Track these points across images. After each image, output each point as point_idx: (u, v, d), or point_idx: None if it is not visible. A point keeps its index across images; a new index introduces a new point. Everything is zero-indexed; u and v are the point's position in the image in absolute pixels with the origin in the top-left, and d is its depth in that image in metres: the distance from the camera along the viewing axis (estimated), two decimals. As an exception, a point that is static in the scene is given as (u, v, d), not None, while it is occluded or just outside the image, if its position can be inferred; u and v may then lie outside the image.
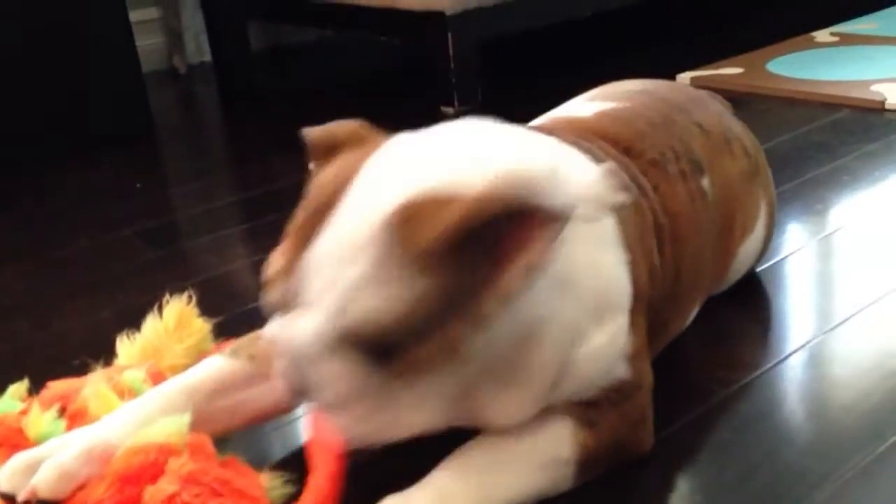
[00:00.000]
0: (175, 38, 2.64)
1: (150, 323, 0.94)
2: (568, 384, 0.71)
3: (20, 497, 0.70)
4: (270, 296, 0.63)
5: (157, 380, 0.84)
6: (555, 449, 0.71)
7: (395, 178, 0.61)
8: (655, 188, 0.84)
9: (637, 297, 0.75)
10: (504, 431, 0.71)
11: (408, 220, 0.58)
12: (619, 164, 0.80)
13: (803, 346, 0.94)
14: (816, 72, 1.89)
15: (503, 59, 2.38)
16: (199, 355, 0.89)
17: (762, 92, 1.83)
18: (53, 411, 0.80)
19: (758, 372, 0.90)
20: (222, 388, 0.78)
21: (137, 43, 2.06)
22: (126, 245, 1.39)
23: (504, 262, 0.59)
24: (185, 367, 0.84)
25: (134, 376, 0.84)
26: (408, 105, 2.03)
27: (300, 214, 0.64)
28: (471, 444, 0.71)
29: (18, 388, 0.87)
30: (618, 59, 2.19)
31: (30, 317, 1.18)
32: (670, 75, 1.90)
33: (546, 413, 0.72)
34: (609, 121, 0.90)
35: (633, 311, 0.75)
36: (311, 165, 0.70)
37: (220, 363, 0.80)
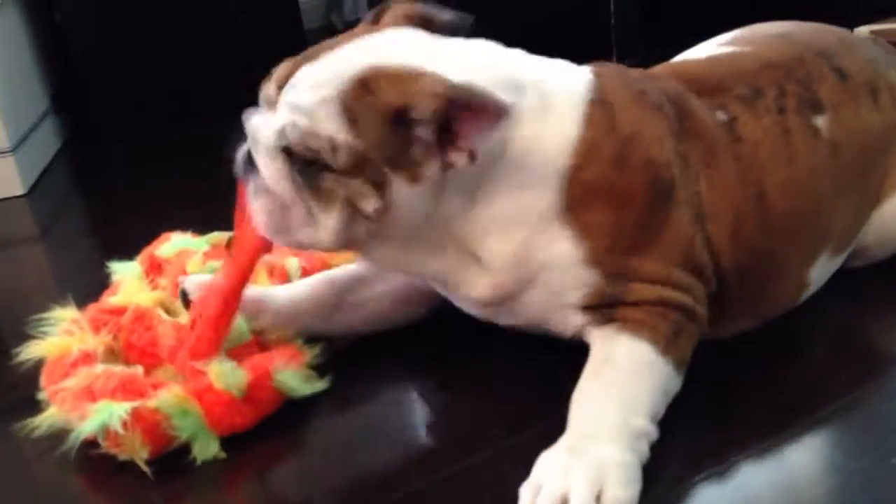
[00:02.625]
0: (333, -5, 2.70)
1: None
2: (537, 282, 0.81)
3: (191, 298, 0.91)
4: (264, 89, 0.80)
5: (307, 273, 1.01)
6: (633, 355, 0.77)
7: (377, 51, 0.77)
8: (734, 119, 0.87)
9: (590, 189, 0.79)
10: (587, 375, 0.77)
11: (363, 84, 0.74)
12: (661, 97, 0.86)
13: None
14: None
15: (667, 10, 2.30)
16: None
17: (951, 46, 1.69)
18: (215, 263, 1.00)
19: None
20: (357, 284, 0.94)
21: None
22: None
23: (450, 141, 0.74)
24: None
25: (292, 264, 1.03)
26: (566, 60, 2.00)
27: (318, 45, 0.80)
28: (577, 393, 0.76)
29: (219, 236, 1.07)
30: (793, 9, 2.08)
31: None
32: (848, 27, 1.79)
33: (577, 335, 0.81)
34: (712, 64, 0.94)
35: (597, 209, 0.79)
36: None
37: (358, 266, 0.96)
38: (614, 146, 0.80)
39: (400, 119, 0.73)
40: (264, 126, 0.78)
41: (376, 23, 0.85)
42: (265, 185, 0.78)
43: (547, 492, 0.68)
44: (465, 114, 0.72)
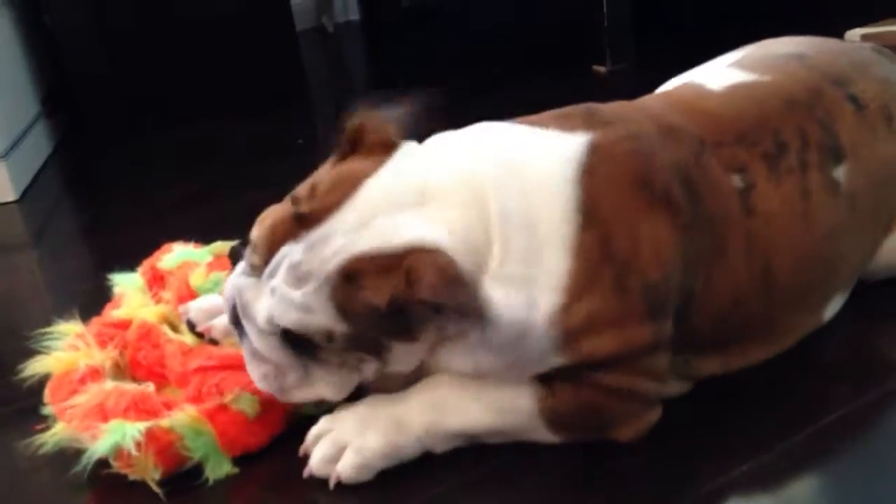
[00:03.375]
0: (323, -3, 2.69)
1: None
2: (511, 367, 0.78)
3: (198, 328, 0.92)
4: (248, 254, 0.77)
5: None
6: (515, 398, 0.78)
7: (358, 231, 0.73)
8: (750, 186, 0.82)
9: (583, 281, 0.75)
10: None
11: (348, 279, 0.72)
12: (679, 158, 0.80)
13: None
14: None
15: (660, 15, 2.31)
16: None
17: (942, 49, 1.70)
18: (218, 274, 1.00)
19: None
20: None
21: (287, 2, 2.11)
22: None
23: (419, 327, 0.73)
24: None
25: None
26: (558, 64, 2.00)
27: (301, 200, 0.75)
28: (440, 376, 0.80)
29: (222, 246, 1.06)
30: (783, 15, 2.08)
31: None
32: (838, 32, 1.80)
33: None
34: (732, 101, 0.87)
35: (574, 294, 0.74)
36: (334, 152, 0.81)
37: None
38: (611, 275, 0.75)
39: (392, 306, 0.71)
40: (252, 300, 0.76)
41: (353, 147, 0.79)
42: (259, 354, 0.78)
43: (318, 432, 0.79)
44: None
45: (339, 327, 0.73)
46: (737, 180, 0.82)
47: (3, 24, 1.80)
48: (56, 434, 0.81)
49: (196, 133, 1.93)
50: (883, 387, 0.83)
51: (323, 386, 0.78)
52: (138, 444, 0.76)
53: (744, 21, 2.13)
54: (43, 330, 0.93)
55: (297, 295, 0.73)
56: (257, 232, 0.77)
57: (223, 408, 0.80)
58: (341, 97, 2.18)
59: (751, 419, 0.81)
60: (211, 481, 0.79)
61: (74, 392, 0.84)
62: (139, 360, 0.90)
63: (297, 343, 0.75)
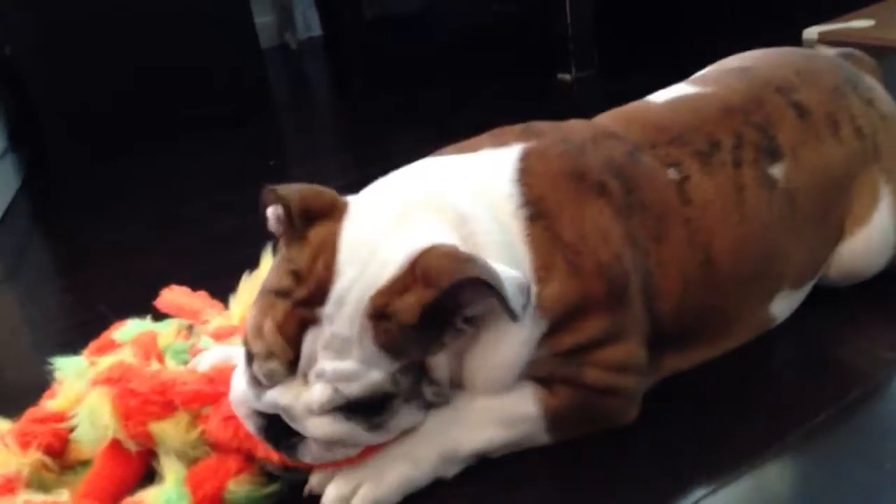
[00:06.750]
0: (285, 14, 2.68)
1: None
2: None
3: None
4: (265, 367, 0.74)
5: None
6: (519, 406, 0.81)
7: (366, 271, 0.74)
8: (686, 178, 0.88)
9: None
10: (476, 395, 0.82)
11: (379, 316, 0.72)
12: (621, 152, 0.87)
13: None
14: (956, 20, 1.78)
15: (622, 23, 2.33)
16: None
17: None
18: (184, 343, 0.96)
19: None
20: None
21: (250, 21, 2.10)
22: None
23: (454, 322, 0.75)
24: None
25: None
26: (523, 74, 2.02)
27: (293, 289, 0.74)
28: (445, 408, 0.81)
29: (182, 323, 1.02)
30: (744, 17, 2.11)
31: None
32: (797, 31, 1.84)
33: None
34: (673, 109, 0.94)
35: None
36: (280, 229, 0.79)
37: None
38: (564, 259, 0.80)
39: (424, 316, 0.72)
40: (293, 401, 0.74)
41: (307, 222, 0.77)
42: (320, 441, 0.76)
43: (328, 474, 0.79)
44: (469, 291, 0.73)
45: (394, 367, 0.74)
46: (672, 173, 0.88)
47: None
48: None
49: (163, 156, 1.91)
50: (863, 386, 0.85)
51: (403, 423, 0.78)
52: None
53: (705, 25, 2.16)
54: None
55: (348, 364, 0.73)
56: (264, 342, 0.74)
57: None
58: (306, 116, 2.18)
59: (734, 428, 0.83)
60: None
61: None
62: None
63: (369, 408, 0.75)
